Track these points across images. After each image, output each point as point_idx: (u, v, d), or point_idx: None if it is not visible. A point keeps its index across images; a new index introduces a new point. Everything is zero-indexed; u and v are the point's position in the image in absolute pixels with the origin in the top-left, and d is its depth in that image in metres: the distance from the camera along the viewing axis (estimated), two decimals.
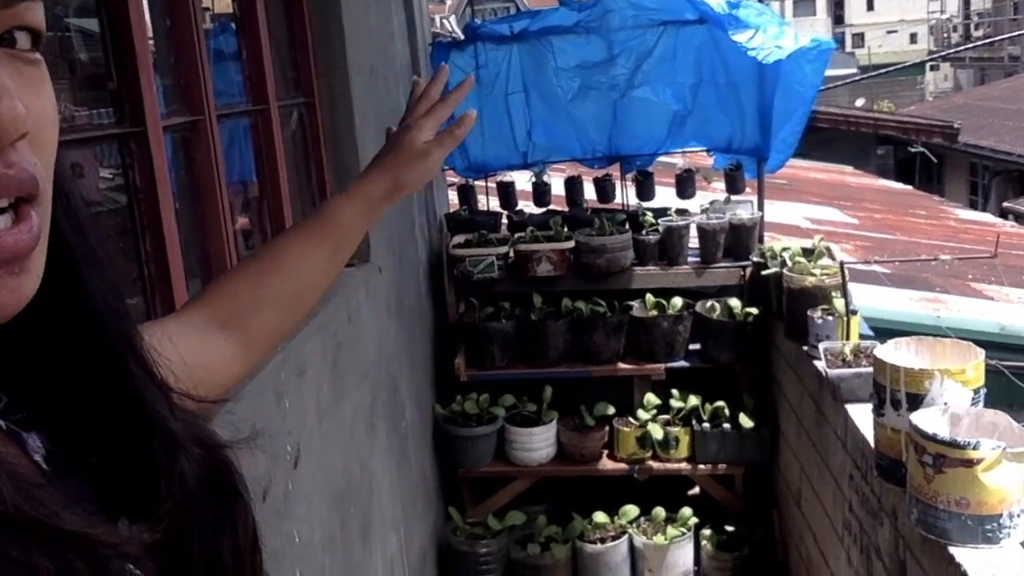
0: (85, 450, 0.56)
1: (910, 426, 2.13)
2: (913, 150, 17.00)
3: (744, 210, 4.30)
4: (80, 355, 0.57)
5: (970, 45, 24.16)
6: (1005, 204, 13.96)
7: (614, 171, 4.66)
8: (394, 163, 1.01)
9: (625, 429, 4.12)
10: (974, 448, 2.00)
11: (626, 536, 3.99)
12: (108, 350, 0.58)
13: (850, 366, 2.96)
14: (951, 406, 2.21)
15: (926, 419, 2.14)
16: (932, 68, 35.25)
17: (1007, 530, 2.02)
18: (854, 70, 29.85)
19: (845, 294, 3.30)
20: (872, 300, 5.50)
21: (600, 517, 4.02)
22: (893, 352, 2.44)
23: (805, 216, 8.22)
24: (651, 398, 4.15)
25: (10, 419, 0.53)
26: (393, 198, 1.04)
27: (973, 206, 14.88)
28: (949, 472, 2.04)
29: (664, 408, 4.14)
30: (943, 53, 27.37)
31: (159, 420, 0.59)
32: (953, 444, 2.02)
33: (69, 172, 0.58)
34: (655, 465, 4.10)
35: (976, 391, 2.30)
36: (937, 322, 5.21)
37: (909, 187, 14.14)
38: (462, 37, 4.65)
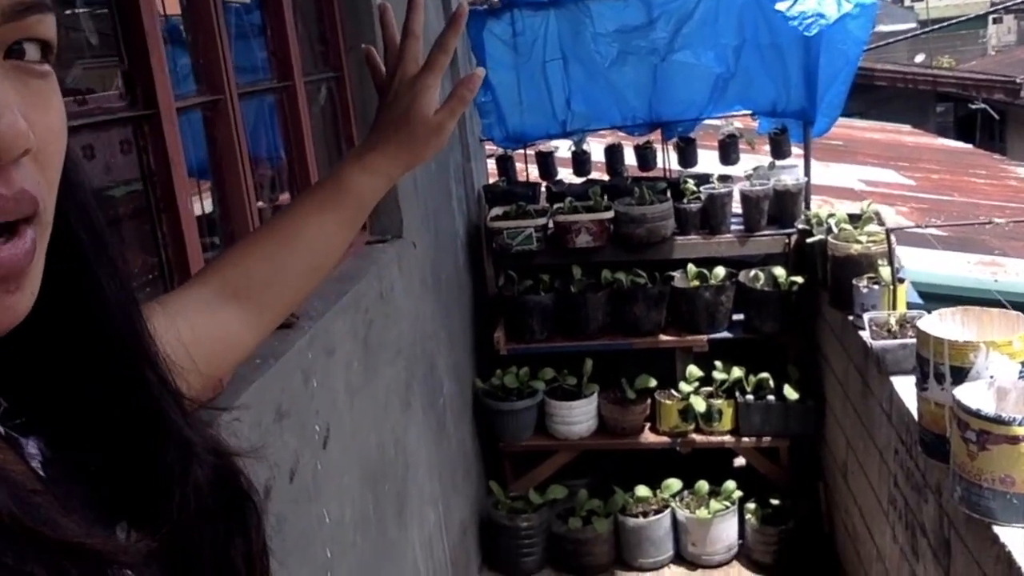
0: (85, 455, 0.56)
1: (953, 401, 2.05)
2: (974, 107, 16.46)
3: (789, 175, 4.18)
4: (91, 359, 0.56)
5: None
6: None
7: (655, 138, 4.56)
8: (410, 140, 0.96)
9: (667, 402, 4.06)
10: (1020, 424, 1.92)
11: (669, 510, 3.95)
12: (122, 355, 0.57)
13: (896, 337, 2.87)
14: (997, 379, 2.13)
15: (970, 393, 2.06)
16: (995, 21, 34.03)
17: None
18: (913, 24, 28.95)
19: (891, 262, 3.19)
20: (927, 265, 5.35)
21: (642, 491, 3.98)
22: (937, 323, 2.36)
23: (859, 179, 8.02)
24: (693, 370, 4.08)
25: (8, 424, 0.53)
26: (406, 171, 1.00)
27: None
28: (993, 449, 1.96)
29: (707, 380, 4.07)
30: (1006, 4, 26.39)
31: (174, 428, 0.59)
32: (998, 420, 1.94)
33: (81, 163, 0.57)
34: (698, 438, 4.04)
35: None
36: (996, 286, 5.04)
37: (969, 146, 13.71)
38: (498, 4, 4.57)
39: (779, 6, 3.71)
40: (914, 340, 2.48)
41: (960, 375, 2.19)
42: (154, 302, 0.84)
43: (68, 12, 1.74)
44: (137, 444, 0.57)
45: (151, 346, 0.60)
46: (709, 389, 4.06)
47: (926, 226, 4.61)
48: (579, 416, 4.11)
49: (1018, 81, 14.87)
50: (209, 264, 0.93)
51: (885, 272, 3.18)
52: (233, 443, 0.67)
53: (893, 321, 2.94)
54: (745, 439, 4.00)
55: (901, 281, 3.19)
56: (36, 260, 0.49)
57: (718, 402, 3.99)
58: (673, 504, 3.97)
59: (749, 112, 4.46)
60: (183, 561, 0.57)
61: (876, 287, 3.17)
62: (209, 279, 0.90)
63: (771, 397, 3.92)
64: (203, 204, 2.23)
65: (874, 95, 14.91)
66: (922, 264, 5.29)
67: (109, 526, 0.55)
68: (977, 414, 1.97)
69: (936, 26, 20.22)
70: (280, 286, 0.92)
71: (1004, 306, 2.57)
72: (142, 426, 0.57)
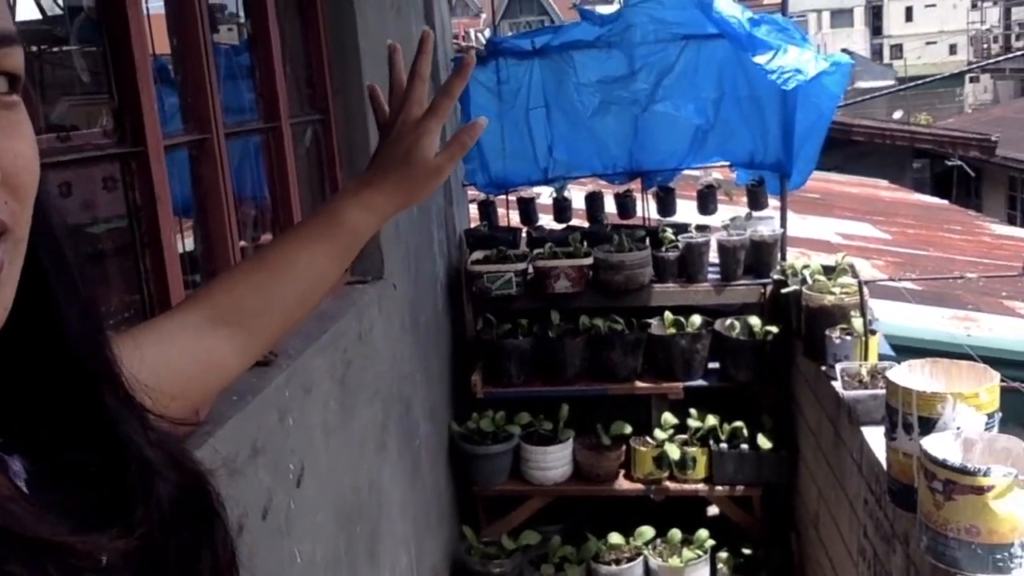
0: (63, 475, 0.57)
1: (921, 451, 2.09)
2: (950, 164, 16.77)
3: (766, 227, 4.25)
4: (55, 384, 0.58)
5: (1010, 56, 23.78)
6: None
7: (635, 186, 4.63)
8: (408, 181, 0.98)
9: (642, 449, 4.08)
10: (985, 475, 1.95)
11: (641, 558, 3.95)
12: (83, 381, 0.58)
13: (867, 387, 2.91)
14: (964, 431, 2.17)
15: (937, 444, 2.09)
16: (972, 80, 34.77)
17: (1019, 560, 1.97)
18: (891, 82, 29.54)
19: (864, 313, 3.24)
20: (901, 318, 5.42)
21: (615, 538, 3.98)
22: (906, 374, 2.40)
23: (836, 231, 8.13)
24: (668, 417, 4.10)
25: None
26: (401, 210, 1.02)
27: (1012, 221, 14.65)
28: (959, 499, 1.99)
29: (682, 428, 4.10)
30: (981, 64, 26.98)
31: (134, 450, 0.60)
32: (963, 471, 1.98)
33: (51, 195, 0.59)
34: (672, 486, 4.05)
35: (990, 415, 2.25)
36: (968, 341, 5.12)
37: (945, 202, 13.93)
38: (484, 53, 4.65)
39: (758, 59, 3.80)
40: (884, 391, 2.53)
41: (928, 426, 2.23)
42: (140, 327, 0.87)
43: (57, 50, 1.78)
44: (101, 465, 0.58)
45: (114, 372, 0.61)
46: (684, 437, 4.08)
47: (899, 279, 4.69)
48: (554, 461, 4.12)
49: (993, 139, 15.18)
50: (198, 290, 0.95)
51: (857, 323, 3.23)
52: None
53: (864, 372, 2.98)
54: (719, 487, 4.02)
55: (873, 333, 3.25)
56: (6, 277, 0.50)
57: (692, 450, 4.02)
58: (646, 552, 3.97)
59: (727, 163, 4.55)
60: (152, 573, 0.58)
61: (848, 338, 3.22)
62: (199, 304, 0.91)
63: (745, 446, 3.95)
64: (184, 242, 2.26)
65: (852, 150, 15.13)
66: (896, 317, 5.36)
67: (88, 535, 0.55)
68: (944, 464, 2.00)
69: (913, 83, 20.62)
70: (269, 315, 0.93)
71: (975, 360, 2.62)
72: (101, 449, 0.58)
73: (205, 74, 2.17)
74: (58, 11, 2.04)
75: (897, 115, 23.87)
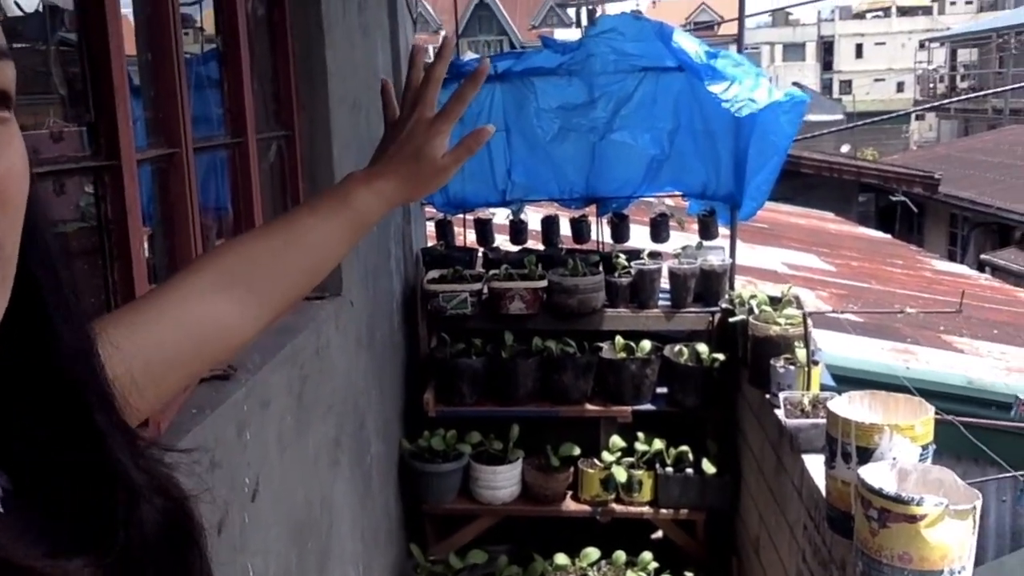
0: (43, 492, 0.56)
1: (858, 479, 2.18)
2: (894, 199, 17.21)
3: (716, 256, 4.37)
4: (43, 401, 0.57)
5: (957, 99, 24.52)
6: (983, 256, 14.16)
7: (590, 212, 4.73)
8: (415, 176, 1.03)
9: (590, 471, 4.15)
10: (917, 504, 2.04)
11: None
12: (73, 399, 0.58)
13: (808, 416, 3.01)
14: (899, 461, 2.27)
15: (874, 473, 2.19)
16: (917, 118, 35.75)
17: None
18: (840, 116, 30.25)
19: (807, 344, 3.36)
20: (843, 349, 5.57)
21: (561, 559, 4.03)
22: (846, 406, 2.50)
23: (783, 261, 8.32)
24: (617, 440, 4.18)
25: None
26: (404, 203, 1.07)
27: (952, 257, 15.07)
28: (893, 527, 2.08)
29: (629, 451, 4.17)
30: (929, 106, 27.78)
31: (121, 472, 0.59)
32: (897, 499, 2.07)
33: (44, 205, 0.57)
34: (618, 508, 4.13)
35: (925, 447, 2.35)
36: (906, 373, 5.28)
37: (888, 236, 14.30)
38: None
39: (713, 88, 3.90)
40: (825, 420, 2.63)
41: (865, 455, 2.33)
42: (137, 303, 0.87)
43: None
44: (86, 485, 0.58)
45: (106, 391, 0.60)
46: (631, 460, 4.15)
47: (842, 312, 4.83)
48: (503, 481, 4.17)
49: (937, 176, 15.63)
50: (201, 257, 0.96)
51: (801, 354, 3.34)
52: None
53: (807, 401, 3.09)
54: (663, 511, 4.10)
55: (816, 363, 3.36)
56: None
57: (639, 473, 4.09)
58: (591, 573, 4.02)
59: (680, 193, 4.66)
60: None
61: (792, 368, 3.33)
62: (204, 268, 0.92)
63: (690, 470, 4.04)
64: (144, 250, 2.28)
65: (800, 182, 15.47)
66: (838, 348, 5.51)
67: (66, 559, 0.55)
68: (879, 493, 2.10)
69: (863, 122, 21.13)
70: (279, 283, 0.96)
71: (912, 393, 2.73)
72: (90, 469, 0.58)
73: (176, 89, 2.20)
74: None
75: (845, 149, 24.46)
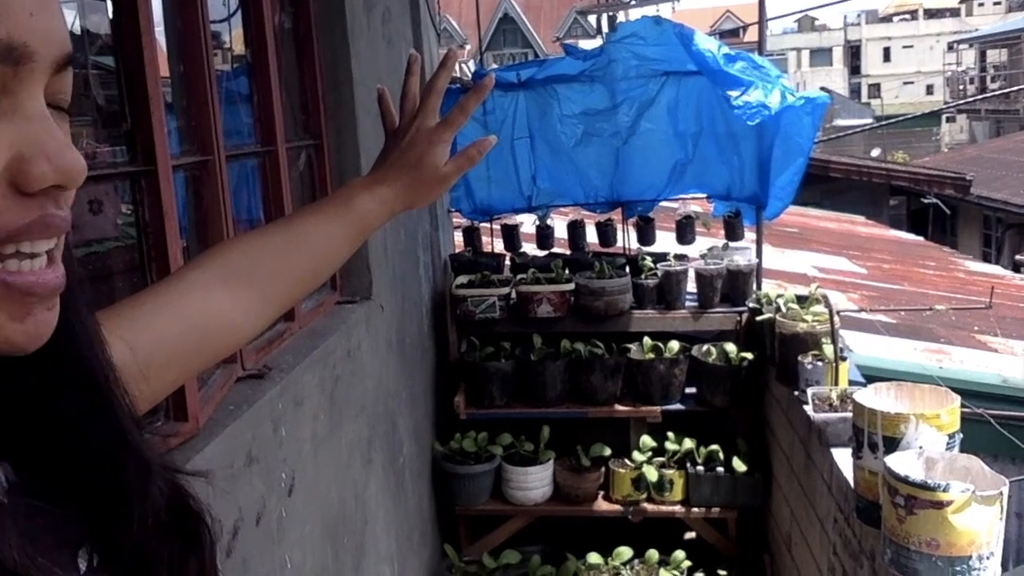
0: (50, 479, 0.57)
1: (884, 468, 2.20)
2: (926, 201, 17.07)
3: (742, 256, 4.39)
4: (58, 385, 0.58)
5: (984, 95, 24.27)
6: (1018, 257, 13.98)
7: (616, 216, 4.77)
8: (417, 184, 1.04)
9: (621, 470, 4.18)
10: (944, 490, 2.06)
11: None
12: (89, 377, 0.59)
13: (836, 411, 3.03)
14: (926, 450, 2.28)
15: (900, 462, 2.20)
16: (948, 120, 35.42)
17: (976, 572, 2.07)
18: (869, 120, 30.04)
19: (835, 340, 3.37)
20: (875, 350, 5.57)
21: (594, 558, 4.06)
22: (872, 396, 2.52)
23: (814, 265, 8.30)
24: (647, 440, 4.21)
25: None
26: (405, 210, 1.08)
27: (986, 259, 14.90)
28: (920, 513, 2.10)
29: (659, 450, 4.20)
30: (956, 104, 27.50)
31: (135, 448, 0.60)
32: (924, 486, 2.08)
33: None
34: (650, 507, 4.15)
35: (951, 436, 2.36)
36: (940, 372, 5.26)
37: (920, 238, 14.19)
38: (471, 84, 4.79)
39: (730, 94, 3.94)
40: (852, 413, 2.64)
41: (892, 445, 2.35)
42: (138, 297, 0.88)
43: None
44: (100, 464, 0.59)
45: (112, 367, 0.62)
46: (661, 459, 4.18)
47: (870, 310, 4.82)
48: (535, 482, 4.21)
49: (968, 178, 15.48)
50: (204, 253, 0.96)
51: (828, 350, 3.35)
52: (204, 486, 0.69)
53: (834, 396, 3.10)
54: (695, 509, 4.11)
55: (844, 359, 3.37)
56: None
57: (670, 472, 4.12)
58: (624, 572, 4.04)
59: (705, 196, 4.69)
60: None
61: (820, 364, 3.34)
62: (208, 263, 0.93)
63: (720, 469, 4.05)
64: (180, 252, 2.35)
65: (830, 186, 15.40)
66: (870, 349, 5.50)
67: (72, 551, 0.56)
68: (905, 480, 2.11)
69: (890, 121, 20.97)
70: (282, 282, 0.97)
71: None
72: (107, 447, 0.59)
73: (208, 99, 2.27)
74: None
75: (875, 153, 24.27)
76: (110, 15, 1.87)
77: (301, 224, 1.00)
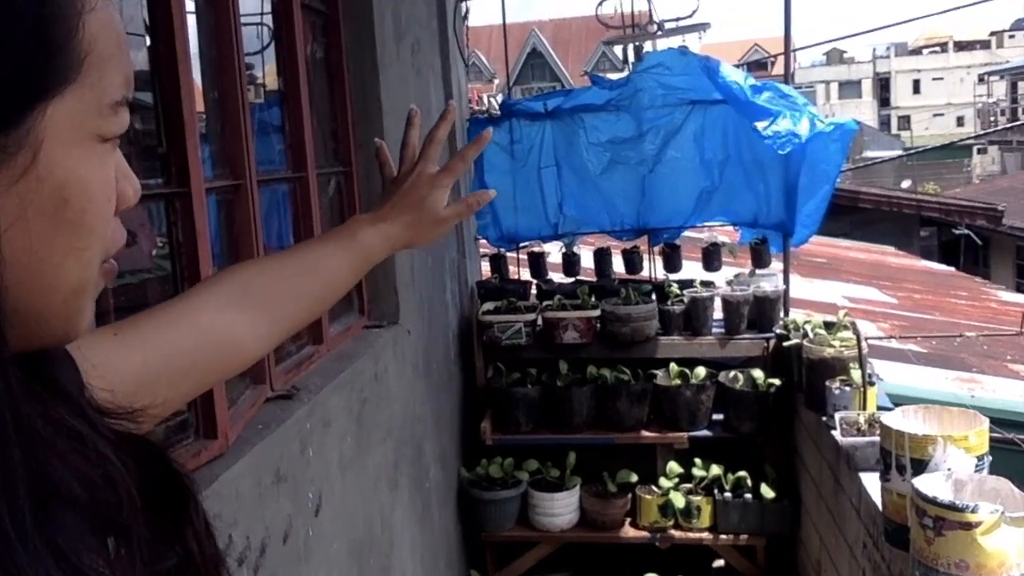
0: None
1: (912, 490, 2.19)
2: (957, 232, 16.92)
3: (769, 283, 4.38)
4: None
5: (1015, 125, 24.11)
6: None
7: (642, 244, 4.79)
8: (417, 225, 1.11)
9: (647, 497, 4.16)
10: (973, 511, 2.04)
11: None
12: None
13: (864, 435, 3.01)
14: (955, 472, 2.26)
15: (929, 483, 2.19)
16: (979, 152, 35.18)
17: None
18: (900, 152, 29.92)
19: (862, 365, 3.36)
20: (906, 378, 5.53)
21: None
22: (899, 419, 2.51)
23: (843, 295, 8.25)
24: (674, 466, 4.19)
25: None
26: (405, 247, 1.15)
27: (1020, 289, 14.73)
28: (949, 535, 2.08)
29: (686, 477, 4.18)
30: (986, 132, 27.34)
31: (93, 421, 0.59)
32: (952, 507, 2.07)
33: None
34: (677, 534, 4.12)
35: (980, 458, 2.35)
36: (971, 401, 5.21)
37: (952, 268, 14.06)
38: (499, 114, 4.85)
39: (757, 125, 3.97)
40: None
41: (920, 467, 2.33)
42: (159, 307, 0.91)
43: None
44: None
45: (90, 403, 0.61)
46: (689, 486, 4.16)
47: (899, 338, 4.79)
48: (561, 508, 4.20)
49: (1000, 208, 15.35)
50: (220, 272, 1.01)
51: (856, 375, 3.34)
52: (233, 503, 0.70)
53: (862, 420, 3.09)
54: (723, 536, 4.08)
55: (872, 384, 3.36)
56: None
57: (697, 499, 4.09)
58: None
59: (731, 223, 4.70)
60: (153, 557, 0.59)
61: (848, 389, 3.33)
62: (221, 282, 0.98)
63: (748, 495, 4.03)
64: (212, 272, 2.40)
65: (859, 217, 15.32)
66: (901, 378, 5.46)
67: (101, 539, 0.55)
68: (934, 501, 2.10)
69: (917, 150, 20.88)
70: (291, 306, 1.02)
71: None
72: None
73: (241, 124, 2.33)
74: None
75: (905, 184, 24.14)
76: (147, 43, 1.94)
77: (311, 253, 1.07)
